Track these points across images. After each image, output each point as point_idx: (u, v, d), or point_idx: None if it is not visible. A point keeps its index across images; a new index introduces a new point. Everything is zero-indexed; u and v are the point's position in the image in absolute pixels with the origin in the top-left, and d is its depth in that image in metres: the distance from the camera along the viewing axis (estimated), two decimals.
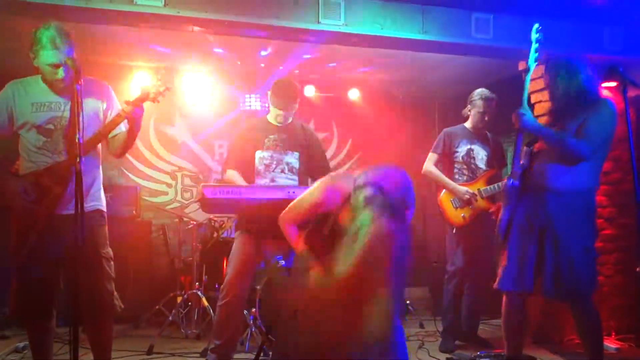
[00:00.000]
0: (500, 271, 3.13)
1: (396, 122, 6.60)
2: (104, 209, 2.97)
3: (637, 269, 3.92)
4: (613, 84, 4.60)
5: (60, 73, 2.73)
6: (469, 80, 5.99)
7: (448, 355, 4.02)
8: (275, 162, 3.53)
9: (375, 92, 6.59)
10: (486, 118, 4.35)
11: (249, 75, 6.11)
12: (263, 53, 5.45)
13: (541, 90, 4.73)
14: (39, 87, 2.82)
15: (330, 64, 5.76)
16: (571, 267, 2.93)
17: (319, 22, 3.90)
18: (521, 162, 3.16)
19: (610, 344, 4.30)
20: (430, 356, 4.05)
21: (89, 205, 2.82)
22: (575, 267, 2.93)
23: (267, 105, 3.75)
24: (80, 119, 2.43)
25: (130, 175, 6.15)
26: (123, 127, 2.88)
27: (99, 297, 2.81)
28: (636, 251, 2.80)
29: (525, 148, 3.18)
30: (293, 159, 3.55)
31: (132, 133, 2.87)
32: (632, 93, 2.85)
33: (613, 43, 4.51)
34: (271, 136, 3.56)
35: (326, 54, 5.36)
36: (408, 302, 5.57)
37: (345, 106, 6.63)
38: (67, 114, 2.79)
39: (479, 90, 4.41)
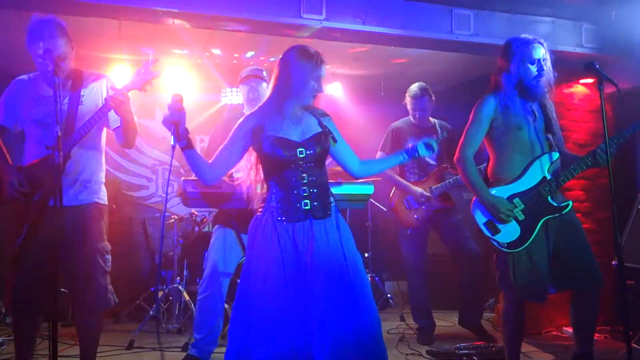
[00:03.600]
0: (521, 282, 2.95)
1: (378, 116, 6.62)
2: (103, 202, 2.95)
3: (613, 263, 3.98)
4: (590, 80, 4.67)
5: (53, 65, 2.70)
6: (451, 76, 6.05)
7: (428, 348, 4.06)
8: None
9: (357, 86, 6.61)
10: (426, 114, 4.30)
11: (231, 69, 6.08)
12: (249, 54, 5.45)
13: None
14: (40, 81, 2.82)
15: None
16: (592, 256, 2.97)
17: (300, 17, 3.90)
18: None
19: None
20: (411, 348, 4.09)
21: (84, 198, 2.84)
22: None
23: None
24: (59, 111, 2.42)
25: (109, 169, 6.09)
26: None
27: (91, 291, 2.80)
28: (612, 245, 2.84)
29: None
30: None
31: (124, 122, 2.85)
32: (608, 89, 2.89)
33: (591, 40, 4.57)
34: None
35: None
36: (389, 295, 5.62)
37: (327, 100, 6.61)
38: (65, 107, 2.79)
39: (410, 88, 4.31)
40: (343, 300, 2.30)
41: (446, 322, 4.84)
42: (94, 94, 2.89)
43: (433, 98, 4.32)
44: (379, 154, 4.37)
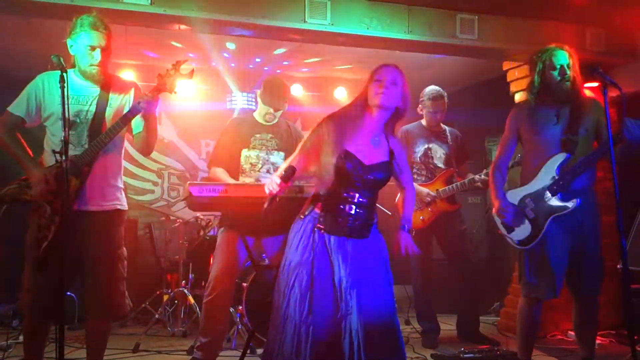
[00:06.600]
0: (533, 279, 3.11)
1: None
2: (124, 207, 2.96)
3: (618, 266, 3.97)
4: (594, 84, 4.66)
5: (97, 56, 2.74)
6: (456, 81, 6.06)
7: (432, 351, 4.05)
8: (261, 162, 3.53)
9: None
10: (439, 117, 4.34)
11: (236, 74, 6.11)
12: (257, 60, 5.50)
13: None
14: (70, 79, 2.76)
15: (315, 59, 5.80)
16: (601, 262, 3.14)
17: (305, 22, 3.91)
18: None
19: None
20: (416, 352, 4.09)
21: (107, 204, 2.84)
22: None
23: (253, 103, 3.77)
24: (66, 115, 2.40)
25: None
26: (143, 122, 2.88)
27: (111, 297, 2.82)
28: (617, 249, 2.84)
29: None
30: (279, 159, 3.55)
31: (148, 127, 2.87)
32: (612, 93, 2.89)
33: (595, 44, 4.57)
34: (257, 135, 3.56)
35: (310, 53, 5.39)
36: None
37: (332, 105, 6.64)
38: (93, 107, 2.79)
39: (427, 90, 4.38)
40: (371, 309, 2.41)
41: (451, 325, 4.83)
42: (121, 98, 2.88)
43: (447, 101, 4.36)
44: None
